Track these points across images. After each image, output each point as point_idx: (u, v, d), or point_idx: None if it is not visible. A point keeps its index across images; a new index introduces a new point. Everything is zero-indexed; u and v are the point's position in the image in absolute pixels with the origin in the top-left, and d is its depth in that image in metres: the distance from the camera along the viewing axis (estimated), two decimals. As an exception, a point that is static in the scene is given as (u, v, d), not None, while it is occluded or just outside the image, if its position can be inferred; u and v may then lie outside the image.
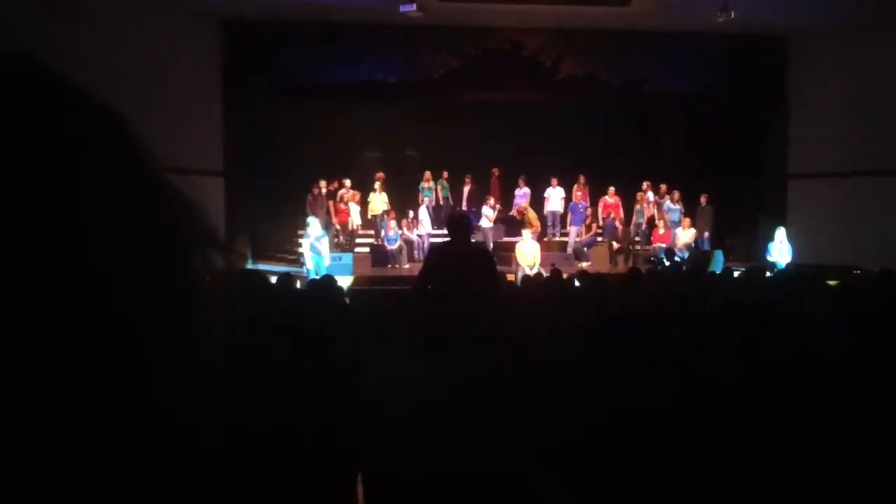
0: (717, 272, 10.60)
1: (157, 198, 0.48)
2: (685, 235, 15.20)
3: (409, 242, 15.68)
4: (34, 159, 0.42)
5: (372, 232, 16.16)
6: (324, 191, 15.49)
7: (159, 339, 0.45)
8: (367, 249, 15.63)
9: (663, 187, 16.32)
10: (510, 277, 11.56)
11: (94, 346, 0.42)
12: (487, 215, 15.71)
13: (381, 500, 2.24)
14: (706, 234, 15.58)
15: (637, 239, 16.36)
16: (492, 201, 15.92)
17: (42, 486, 0.39)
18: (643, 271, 8.82)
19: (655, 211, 16.17)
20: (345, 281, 11.61)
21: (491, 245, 15.25)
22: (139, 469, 0.43)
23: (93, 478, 0.41)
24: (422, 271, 5.48)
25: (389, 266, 14.95)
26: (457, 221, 5.57)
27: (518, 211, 15.84)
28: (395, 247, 15.15)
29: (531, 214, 15.66)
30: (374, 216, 15.93)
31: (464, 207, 16.71)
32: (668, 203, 15.99)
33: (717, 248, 14.87)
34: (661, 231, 15.65)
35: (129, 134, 0.48)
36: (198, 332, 0.49)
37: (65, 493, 0.40)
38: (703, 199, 15.79)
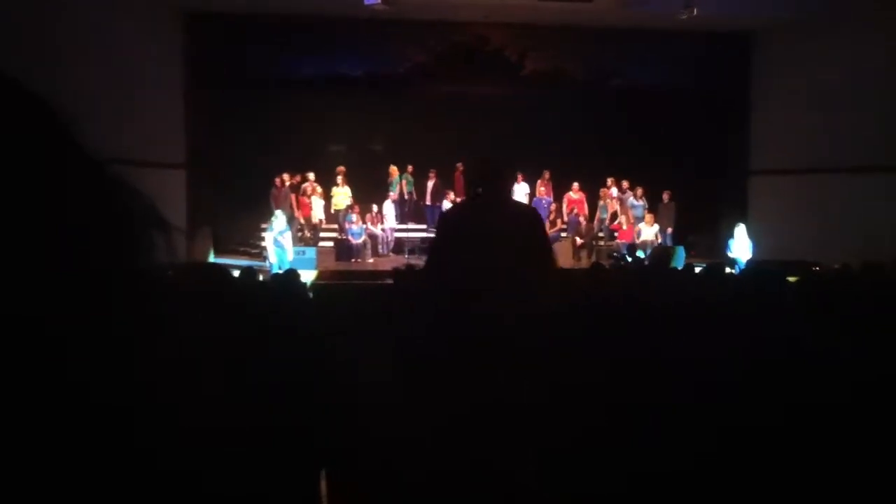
0: (679, 268, 10.72)
1: (93, 183, 0.47)
2: (648, 231, 15.37)
3: (373, 237, 15.65)
4: None
5: (336, 226, 16.09)
6: (287, 184, 15.38)
7: (103, 322, 0.44)
8: (331, 244, 15.57)
9: (626, 183, 16.47)
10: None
11: (45, 331, 0.40)
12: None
13: (346, 496, 2.23)
14: (669, 230, 15.77)
15: (601, 234, 16.50)
16: (452, 196, 15.84)
17: (22, 480, 0.39)
18: (606, 267, 8.88)
19: (619, 207, 16.33)
20: (308, 275, 11.55)
21: None
22: (101, 459, 0.42)
23: (66, 470, 0.40)
24: (434, 249, 3.51)
25: (353, 260, 14.90)
26: (491, 166, 3.57)
27: None
28: (359, 241, 15.11)
29: None
30: (338, 210, 15.85)
31: (427, 202, 16.71)
32: (631, 199, 16.15)
33: (679, 244, 15.06)
34: (625, 227, 15.82)
35: (61, 121, 0.47)
36: (146, 318, 0.48)
37: (40, 483, 0.39)
38: (665, 196, 15.97)
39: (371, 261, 15.13)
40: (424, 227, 16.67)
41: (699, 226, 16.82)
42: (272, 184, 15.21)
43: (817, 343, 2.19)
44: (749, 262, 13.03)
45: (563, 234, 16.16)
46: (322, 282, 12.27)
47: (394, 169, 16.84)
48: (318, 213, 15.76)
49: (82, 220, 0.45)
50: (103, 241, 0.46)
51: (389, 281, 8.63)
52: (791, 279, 4.33)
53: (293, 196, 15.45)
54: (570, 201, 16.39)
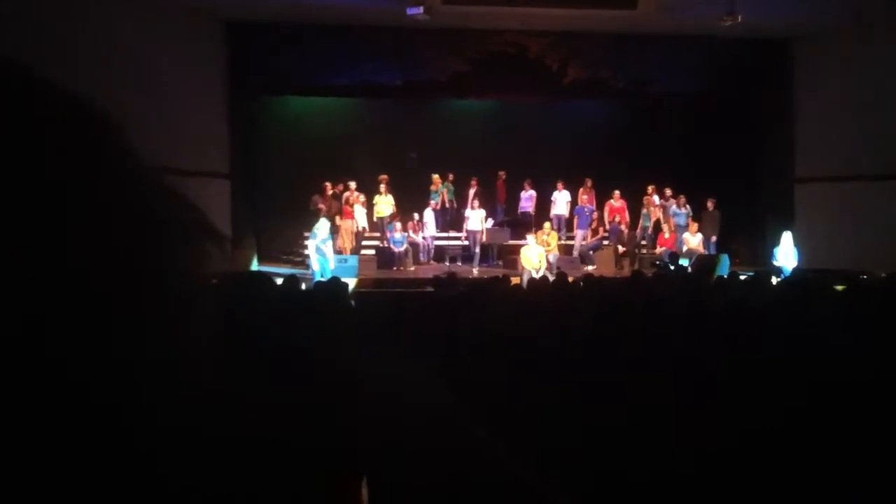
0: (723, 276, 10.57)
1: (141, 191, 0.47)
2: (693, 240, 15.15)
3: (414, 245, 15.69)
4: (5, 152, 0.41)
5: (378, 234, 16.17)
6: (329, 193, 15.51)
7: (145, 337, 0.44)
8: (372, 252, 15.64)
9: (668, 191, 16.26)
10: (515, 280, 11.55)
11: (72, 343, 0.40)
12: (469, 217, 15.65)
13: (385, 502, 2.23)
14: (713, 238, 15.54)
15: (643, 243, 16.33)
16: (475, 203, 15.78)
17: (21, 481, 0.38)
18: (648, 275, 8.80)
19: (661, 215, 16.12)
20: (350, 283, 11.62)
21: (479, 250, 15.29)
22: (122, 471, 0.41)
23: (73, 479, 0.40)
24: None
25: (395, 268, 14.96)
26: None
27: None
28: (401, 249, 15.15)
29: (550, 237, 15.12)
30: (380, 218, 15.93)
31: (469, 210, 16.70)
32: (673, 207, 15.94)
33: (723, 252, 14.83)
34: (667, 235, 15.62)
35: (111, 128, 0.48)
36: (188, 329, 0.48)
37: (39, 484, 0.39)
38: (709, 204, 15.73)
39: (412, 269, 15.16)
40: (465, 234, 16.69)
41: (745, 233, 16.55)
42: (316, 192, 15.34)
43: (858, 351, 2.15)
44: (795, 271, 12.80)
45: (605, 243, 16.04)
46: (363, 289, 12.33)
47: (436, 178, 16.89)
48: (360, 221, 15.85)
49: (128, 230, 0.45)
50: (146, 250, 0.46)
51: (430, 289, 8.66)
52: (838, 287, 4.25)
53: (335, 204, 15.57)
54: (612, 209, 16.24)
